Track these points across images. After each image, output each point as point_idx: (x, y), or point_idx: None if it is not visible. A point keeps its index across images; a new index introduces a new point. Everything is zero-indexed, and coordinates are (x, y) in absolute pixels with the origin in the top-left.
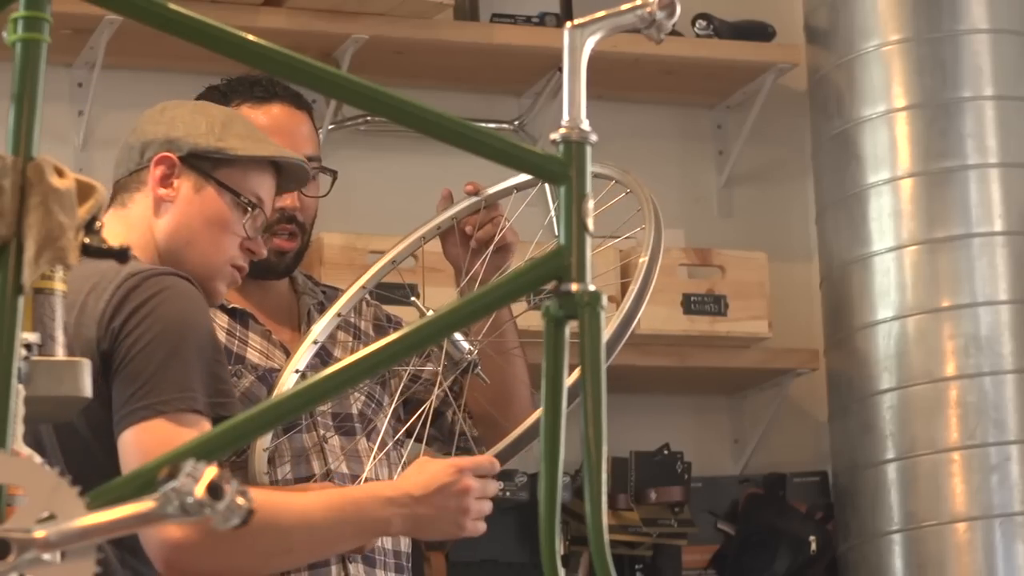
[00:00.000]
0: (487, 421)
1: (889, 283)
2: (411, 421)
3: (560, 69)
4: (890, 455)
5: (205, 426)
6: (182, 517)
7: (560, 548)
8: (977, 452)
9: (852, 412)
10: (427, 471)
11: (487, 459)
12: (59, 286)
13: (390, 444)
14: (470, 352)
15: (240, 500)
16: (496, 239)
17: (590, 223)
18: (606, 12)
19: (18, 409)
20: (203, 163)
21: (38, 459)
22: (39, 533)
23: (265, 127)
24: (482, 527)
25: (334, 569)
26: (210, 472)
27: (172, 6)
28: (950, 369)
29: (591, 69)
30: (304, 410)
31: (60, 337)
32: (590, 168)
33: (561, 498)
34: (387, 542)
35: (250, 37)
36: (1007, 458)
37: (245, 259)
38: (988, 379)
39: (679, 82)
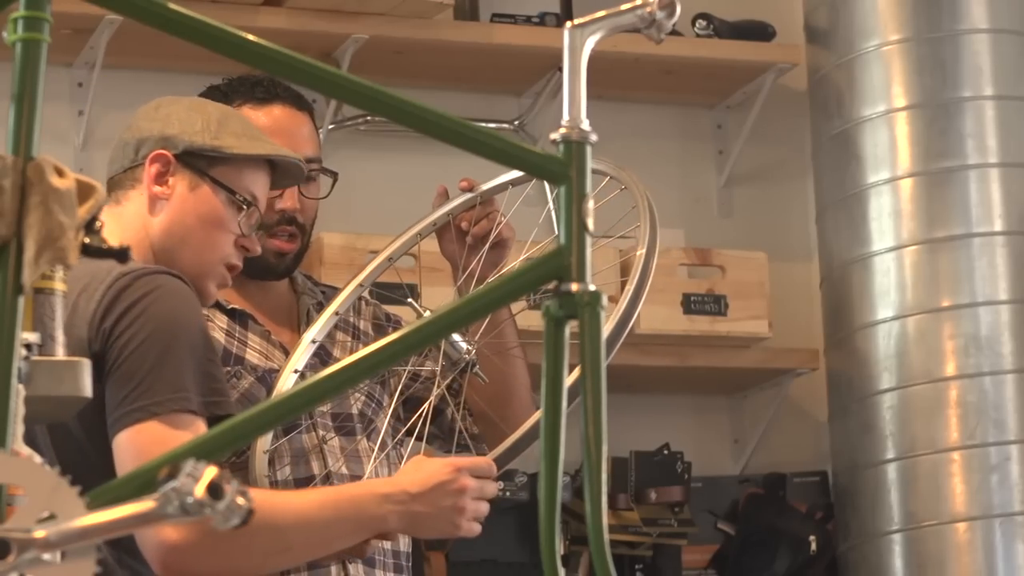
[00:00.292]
0: (487, 419)
1: (889, 283)
2: (412, 420)
3: (560, 69)
4: (890, 455)
5: (199, 426)
6: (182, 517)
7: (560, 548)
8: (977, 452)
9: (852, 412)
10: (424, 469)
11: (485, 461)
12: (59, 286)
13: (391, 445)
14: (468, 352)
15: (240, 500)
16: (492, 235)
17: (590, 223)
18: (606, 12)
19: (18, 409)
20: (198, 161)
21: (38, 459)
22: (39, 533)
23: (266, 128)
24: (477, 528)
25: (334, 569)
26: (210, 472)
27: (172, 6)
28: (950, 369)
29: (591, 69)
30: (304, 410)
31: (60, 337)
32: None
33: (561, 498)
34: (387, 542)
35: (250, 37)
36: (1007, 458)
37: (239, 257)
38: (988, 379)
39: (679, 82)
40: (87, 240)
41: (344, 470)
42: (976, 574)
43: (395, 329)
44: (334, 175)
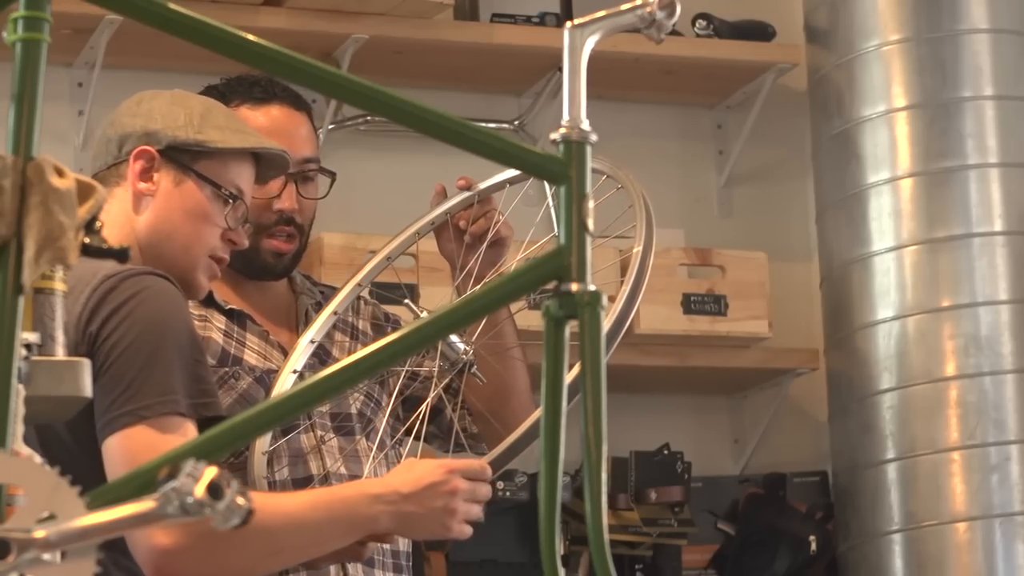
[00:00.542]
0: (486, 418)
1: (889, 283)
2: (410, 420)
3: (560, 69)
4: (890, 455)
5: (189, 428)
6: (182, 517)
7: (560, 548)
8: (977, 452)
9: (852, 412)
10: (416, 470)
11: (478, 463)
12: (59, 286)
13: (389, 445)
14: (465, 352)
15: (240, 500)
16: (490, 233)
17: (590, 223)
18: (606, 12)
19: (18, 409)
20: (183, 156)
21: (38, 459)
22: (39, 533)
23: (264, 128)
24: (468, 530)
25: (332, 569)
26: (210, 472)
27: (172, 6)
28: (950, 369)
29: (591, 69)
30: (303, 410)
31: (60, 337)
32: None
33: (561, 498)
34: (385, 544)
35: (250, 37)
36: (1007, 458)
37: (226, 250)
38: (988, 379)
39: (679, 82)
40: (87, 240)
41: (343, 470)
42: (976, 574)
43: (394, 329)
44: (332, 175)
